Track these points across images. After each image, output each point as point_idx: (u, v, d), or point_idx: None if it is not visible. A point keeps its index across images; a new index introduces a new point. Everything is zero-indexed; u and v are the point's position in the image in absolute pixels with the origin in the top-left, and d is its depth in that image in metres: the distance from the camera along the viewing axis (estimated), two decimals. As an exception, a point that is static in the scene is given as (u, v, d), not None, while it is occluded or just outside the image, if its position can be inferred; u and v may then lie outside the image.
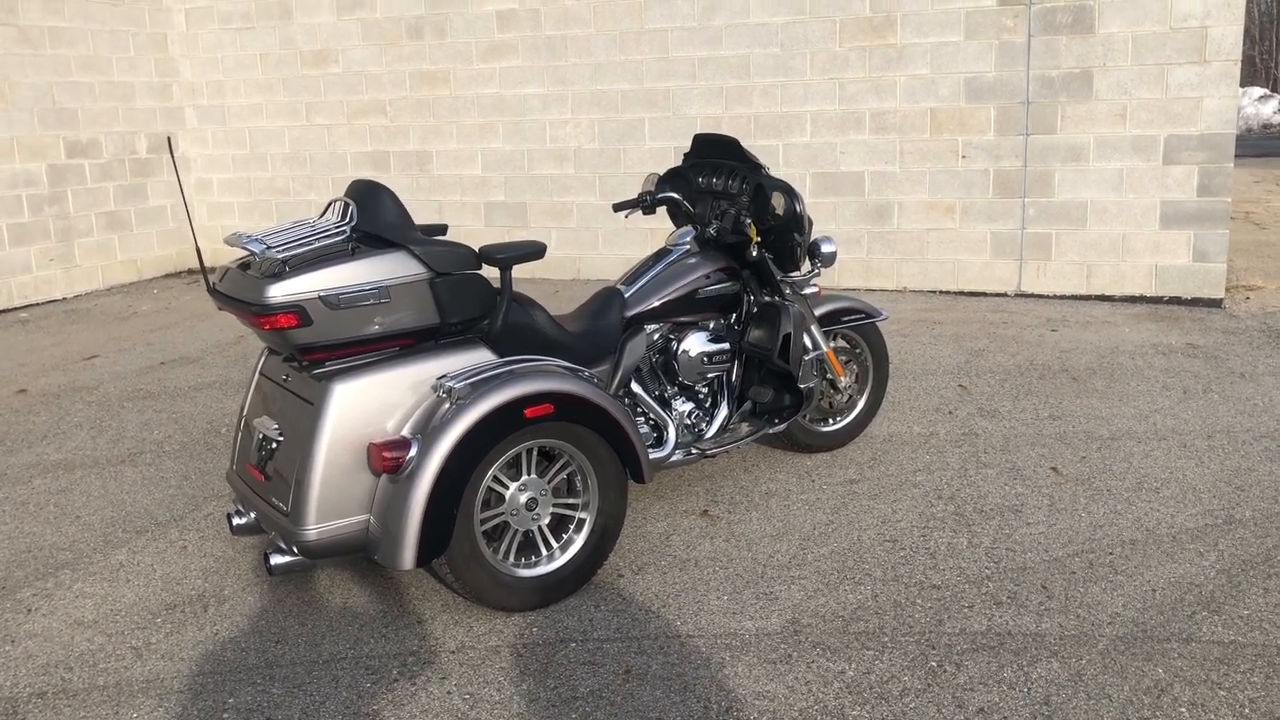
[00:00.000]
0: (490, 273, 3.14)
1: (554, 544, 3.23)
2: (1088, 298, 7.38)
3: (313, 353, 2.95)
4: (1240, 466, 4.15)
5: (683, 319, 3.84)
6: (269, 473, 3.10)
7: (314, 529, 2.91)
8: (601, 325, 3.64)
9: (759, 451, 4.47)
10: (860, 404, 4.50)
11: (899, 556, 3.47)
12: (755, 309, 3.98)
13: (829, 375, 4.25)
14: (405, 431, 2.98)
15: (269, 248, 2.91)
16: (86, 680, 2.87)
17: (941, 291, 7.75)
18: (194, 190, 9.92)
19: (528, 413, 2.99)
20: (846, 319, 4.32)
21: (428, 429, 2.93)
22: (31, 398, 5.68)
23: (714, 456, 3.91)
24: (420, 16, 8.76)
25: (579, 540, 3.24)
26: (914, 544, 3.56)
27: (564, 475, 3.24)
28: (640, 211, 4.13)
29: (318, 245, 2.99)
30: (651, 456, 3.65)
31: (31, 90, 8.32)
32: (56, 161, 8.54)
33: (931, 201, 7.65)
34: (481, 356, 3.15)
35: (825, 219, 7.92)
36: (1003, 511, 3.80)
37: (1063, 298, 7.43)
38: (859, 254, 7.91)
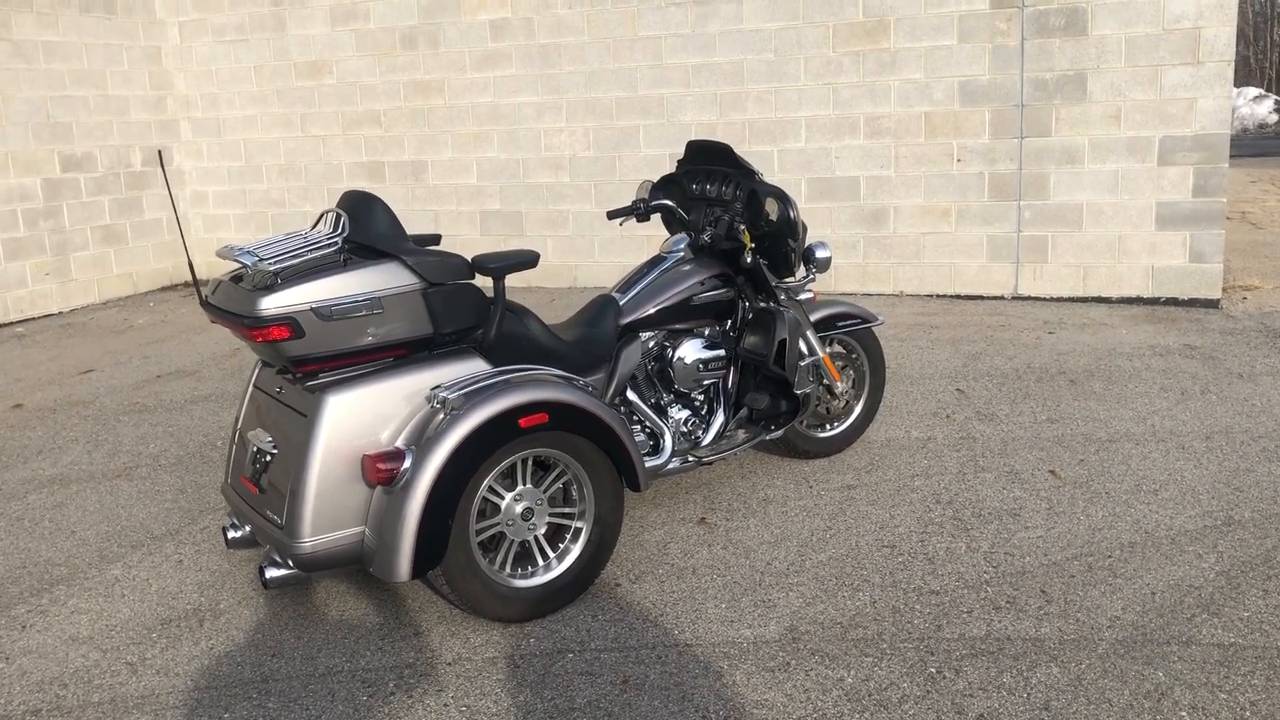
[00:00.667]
0: (484, 282, 3.13)
1: (550, 554, 3.22)
2: (1084, 300, 7.37)
3: (306, 365, 2.94)
4: (1239, 467, 4.14)
5: (678, 326, 3.83)
6: (263, 486, 3.09)
7: (309, 542, 2.89)
8: (596, 333, 3.63)
9: (756, 458, 4.46)
10: (857, 409, 4.49)
11: (897, 562, 3.45)
12: (750, 315, 3.97)
13: (825, 381, 4.24)
14: (399, 443, 2.97)
15: (261, 260, 2.90)
16: (81, 697, 2.85)
17: (938, 295, 7.74)
18: (190, 203, 9.92)
19: (522, 422, 2.98)
20: (842, 324, 4.32)
21: (422, 440, 2.92)
22: (27, 412, 5.67)
23: (711, 464, 3.90)
24: (414, 27, 8.76)
25: (575, 550, 3.23)
26: (912, 549, 3.54)
27: (560, 485, 3.23)
28: (635, 219, 4.12)
29: (310, 257, 2.98)
30: (648, 464, 3.64)
31: (26, 104, 8.32)
32: (51, 175, 8.53)
33: (927, 205, 7.65)
34: (475, 366, 3.14)
35: (821, 224, 7.92)
36: (1001, 515, 3.79)
37: (1059, 300, 7.42)
38: (855, 259, 7.90)
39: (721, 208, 3.98)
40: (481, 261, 3.19)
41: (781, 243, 3.87)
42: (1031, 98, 7.25)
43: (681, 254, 3.93)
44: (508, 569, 3.13)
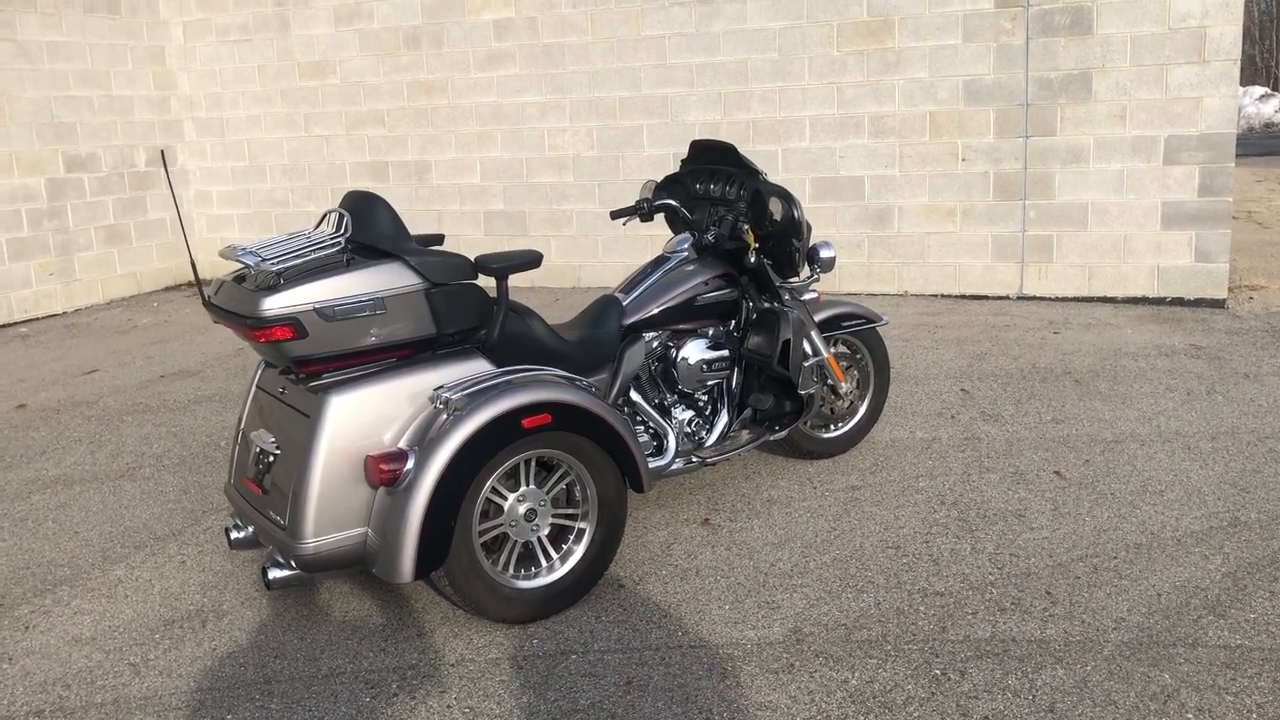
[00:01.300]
0: (487, 282, 3.12)
1: (554, 555, 3.21)
2: (1090, 300, 7.35)
3: (309, 365, 2.93)
4: (1245, 468, 4.12)
5: (681, 326, 3.82)
6: (266, 486, 3.08)
7: (311, 542, 2.89)
8: (599, 334, 3.62)
9: (760, 459, 4.45)
10: (861, 410, 4.48)
11: (902, 563, 3.44)
12: (754, 315, 3.96)
13: (829, 381, 4.22)
14: (402, 443, 2.96)
15: (263, 260, 2.89)
16: (84, 698, 2.85)
17: (943, 295, 7.72)
18: (193, 203, 9.93)
19: (525, 423, 2.98)
20: (847, 324, 4.30)
21: (425, 441, 2.91)
22: (31, 413, 5.67)
23: (714, 464, 3.89)
24: (417, 26, 8.76)
25: (579, 551, 3.22)
26: (917, 550, 3.53)
27: (563, 485, 3.22)
28: (638, 219, 4.11)
29: (313, 257, 2.97)
30: (651, 465, 3.63)
31: (30, 104, 8.33)
32: (55, 176, 8.54)
33: (932, 205, 7.63)
34: (478, 367, 3.13)
35: (825, 224, 7.90)
36: (1006, 516, 3.77)
37: (1065, 300, 7.40)
38: (859, 258, 7.89)
39: (725, 207, 3.97)
40: (484, 262, 3.19)
41: (785, 242, 3.86)
42: (1036, 97, 7.22)
43: (685, 254, 3.92)
44: (511, 570, 3.12)
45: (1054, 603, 3.13)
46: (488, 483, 2.99)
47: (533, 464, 3.13)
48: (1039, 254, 7.43)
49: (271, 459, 3.08)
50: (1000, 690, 2.69)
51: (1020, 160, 7.35)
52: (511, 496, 3.09)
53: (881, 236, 7.81)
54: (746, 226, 3.85)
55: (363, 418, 2.94)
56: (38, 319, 8.42)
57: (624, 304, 3.72)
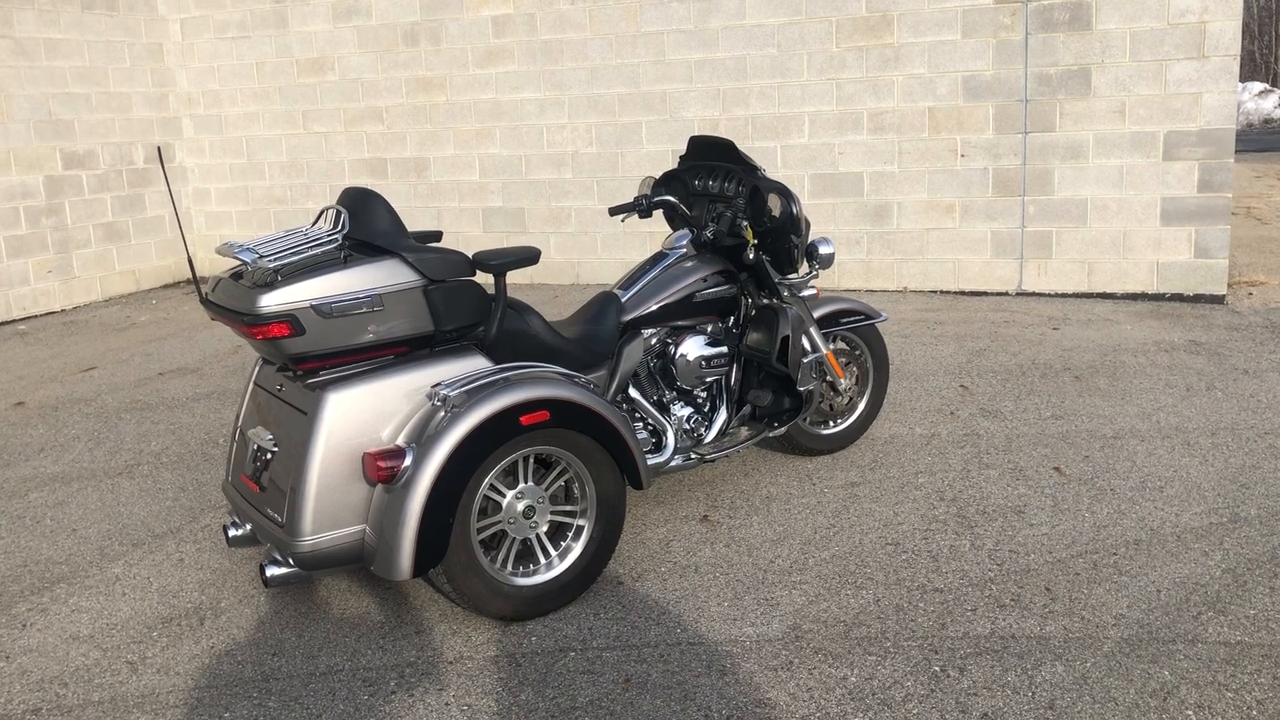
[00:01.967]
0: (485, 279, 3.11)
1: (552, 552, 3.20)
2: (1089, 296, 7.35)
3: (306, 362, 2.93)
4: (1245, 464, 4.11)
5: (680, 323, 3.81)
6: (264, 484, 3.07)
7: (309, 540, 2.88)
8: (598, 330, 3.62)
9: (759, 455, 4.44)
10: (861, 406, 4.47)
11: (901, 560, 3.43)
12: (753, 312, 3.95)
13: (829, 377, 4.22)
14: (400, 440, 2.96)
15: (261, 257, 2.88)
16: (81, 696, 2.84)
17: (942, 291, 7.72)
18: (192, 200, 9.91)
19: (523, 420, 2.97)
20: (846, 321, 4.30)
21: (423, 438, 2.90)
22: (29, 410, 5.66)
23: (713, 461, 3.88)
24: (416, 23, 8.74)
25: (577, 548, 3.22)
26: (916, 547, 3.53)
27: (561, 482, 3.21)
28: (637, 215, 4.10)
29: (310, 254, 2.96)
30: (650, 462, 3.62)
31: (28, 102, 8.32)
32: (54, 173, 8.53)
33: (931, 201, 7.62)
34: (476, 364, 3.12)
35: (824, 220, 7.90)
36: (1005, 513, 3.77)
37: (1064, 296, 7.39)
38: (859, 255, 7.88)
39: (724, 204, 3.96)
40: (482, 258, 3.18)
41: (784, 239, 3.85)
42: (1035, 93, 7.21)
43: (684, 250, 3.91)
44: (509, 567, 3.12)
45: (1053, 599, 3.12)
46: (486, 480, 2.99)
47: (531, 461, 3.12)
48: (1038, 250, 7.42)
49: (269, 456, 3.07)
50: (1000, 687, 2.69)
51: (1019, 156, 7.34)
52: (510, 494, 3.08)
53: (880, 233, 7.80)
54: (745, 223, 3.84)
55: (360, 415, 2.93)
56: (36, 316, 8.41)
57: (623, 300, 3.71)
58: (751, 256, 3.85)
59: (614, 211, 4.10)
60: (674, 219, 4.19)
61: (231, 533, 3.24)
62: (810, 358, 4.00)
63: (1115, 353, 5.85)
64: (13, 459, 4.86)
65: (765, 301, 3.96)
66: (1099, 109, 7.08)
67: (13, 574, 3.63)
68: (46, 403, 5.79)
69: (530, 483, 3.12)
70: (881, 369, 4.50)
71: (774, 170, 7.94)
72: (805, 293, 4.12)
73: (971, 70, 7.33)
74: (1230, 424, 4.58)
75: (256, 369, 3.37)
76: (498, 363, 3.18)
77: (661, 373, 3.83)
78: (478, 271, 3.15)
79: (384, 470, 2.85)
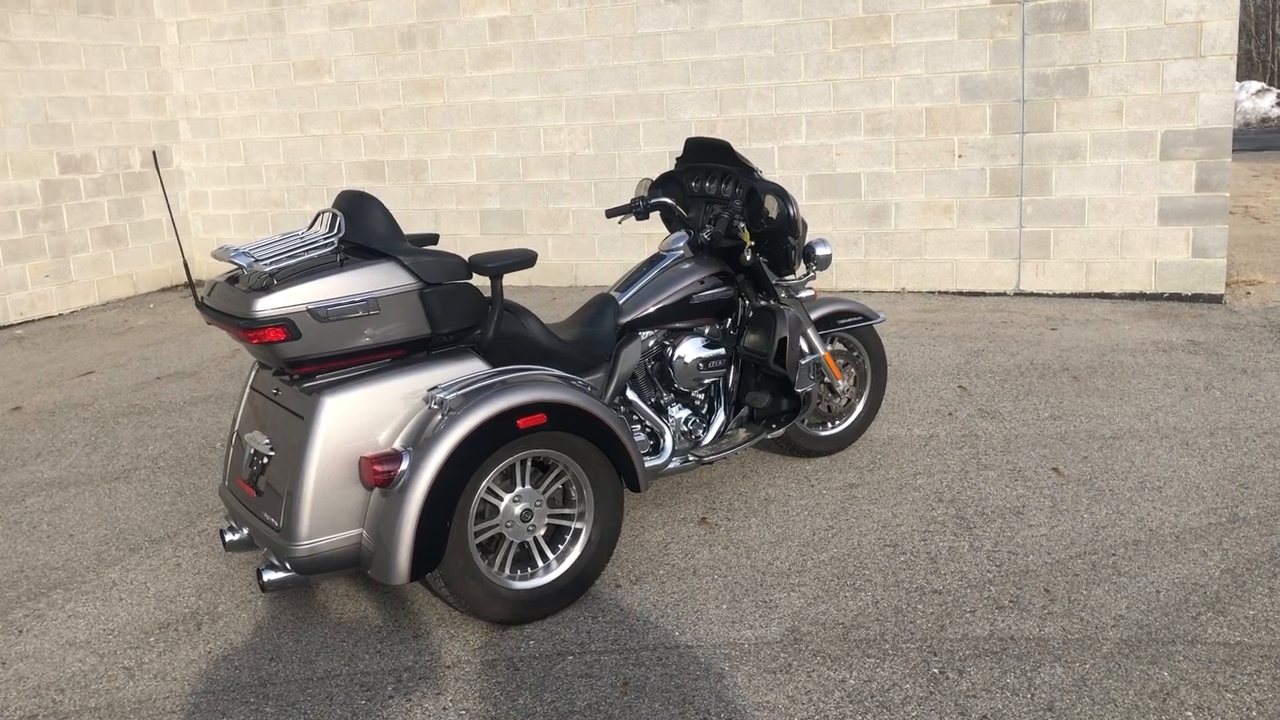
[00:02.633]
0: (482, 282, 3.10)
1: (550, 555, 3.20)
2: (1087, 296, 7.34)
3: (303, 366, 2.92)
4: (1244, 464, 4.11)
5: (678, 325, 3.80)
6: (260, 488, 3.07)
7: (306, 544, 2.87)
8: (595, 333, 3.61)
9: (757, 457, 4.43)
10: (859, 407, 4.46)
11: (900, 561, 3.43)
12: (751, 314, 3.94)
13: (826, 379, 4.21)
14: (397, 444, 2.95)
15: (256, 261, 2.88)
16: (78, 702, 2.83)
17: (940, 292, 7.71)
18: (189, 203, 9.91)
19: (521, 423, 2.96)
20: (843, 322, 4.29)
21: (420, 441, 2.90)
22: (26, 415, 5.65)
23: (711, 463, 3.87)
24: (412, 25, 8.74)
25: (575, 551, 3.21)
26: (915, 548, 3.52)
27: (559, 485, 3.21)
28: (634, 217, 4.10)
29: (306, 258, 2.96)
30: (648, 465, 3.62)
31: (24, 106, 8.31)
32: (50, 177, 8.52)
33: (928, 202, 7.62)
34: (473, 367, 3.11)
35: (822, 221, 7.89)
36: (1004, 514, 3.76)
37: (1062, 296, 7.39)
38: (856, 255, 7.88)
39: (721, 205, 3.96)
40: (479, 261, 3.17)
41: (781, 240, 3.84)
42: (1033, 93, 7.21)
43: (681, 252, 3.90)
44: (507, 571, 3.11)
45: (1052, 600, 3.11)
46: (483, 483, 2.98)
47: (528, 464, 3.11)
48: (1036, 250, 7.42)
49: (266, 460, 3.06)
50: (999, 689, 2.68)
51: (1017, 156, 7.34)
52: (507, 497, 3.07)
53: (878, 233, 7.79)
54: (742, 224, 3.84)
55: (357, 419, 2.92)
56: (33, 321, 8.40)
57: (620, 303, 3.71)
58: (749, 258, 3.84)
59: (611, 213, 4.09)
60: (671, 221, 4.18)
61: (228, 537, 3.23)
62: (808, 359, 3.99)
63: (1113, 353, 5.85)
64: (9, 464, 4.85)
65: (763, 303, 3.96)
66: (1096, 109, 7.08)
67: (9, 579, 3.62)
68: (44, 407, 5.78)
69: (528, 486, 3.11)
70: (879, 370, 4.49)
71: (771, 171, 7.94)
72: (803, 294, 4.11)
73: (968, 71, 7.33)
74: (1229, 424, 4.57)
75: (253, 373, 3.36)
76: (495, 366, 3.17)
77: (659, 375, 3.82)
78: (474, 274, 3.15)
79: (381, 474, 2.84)
